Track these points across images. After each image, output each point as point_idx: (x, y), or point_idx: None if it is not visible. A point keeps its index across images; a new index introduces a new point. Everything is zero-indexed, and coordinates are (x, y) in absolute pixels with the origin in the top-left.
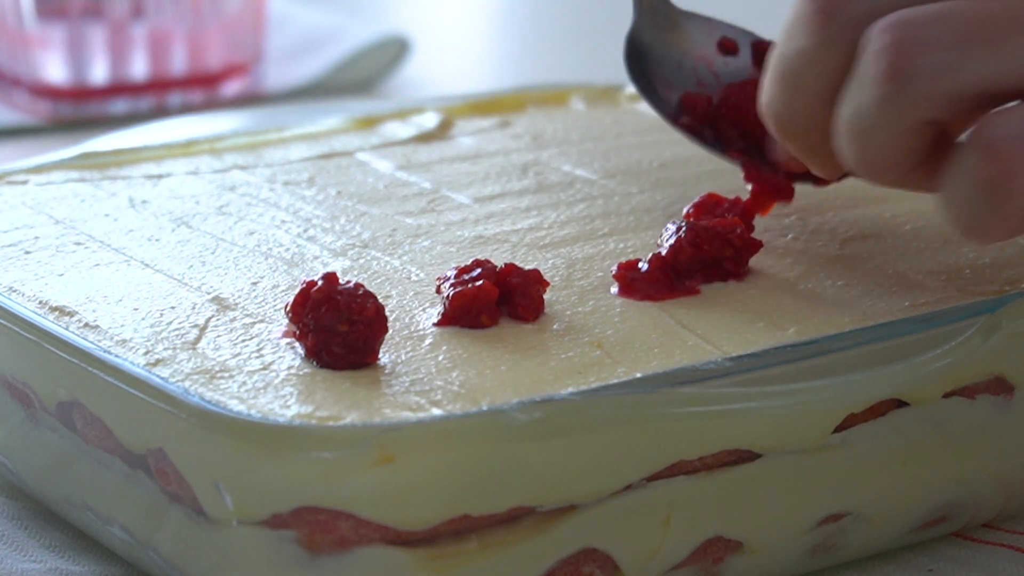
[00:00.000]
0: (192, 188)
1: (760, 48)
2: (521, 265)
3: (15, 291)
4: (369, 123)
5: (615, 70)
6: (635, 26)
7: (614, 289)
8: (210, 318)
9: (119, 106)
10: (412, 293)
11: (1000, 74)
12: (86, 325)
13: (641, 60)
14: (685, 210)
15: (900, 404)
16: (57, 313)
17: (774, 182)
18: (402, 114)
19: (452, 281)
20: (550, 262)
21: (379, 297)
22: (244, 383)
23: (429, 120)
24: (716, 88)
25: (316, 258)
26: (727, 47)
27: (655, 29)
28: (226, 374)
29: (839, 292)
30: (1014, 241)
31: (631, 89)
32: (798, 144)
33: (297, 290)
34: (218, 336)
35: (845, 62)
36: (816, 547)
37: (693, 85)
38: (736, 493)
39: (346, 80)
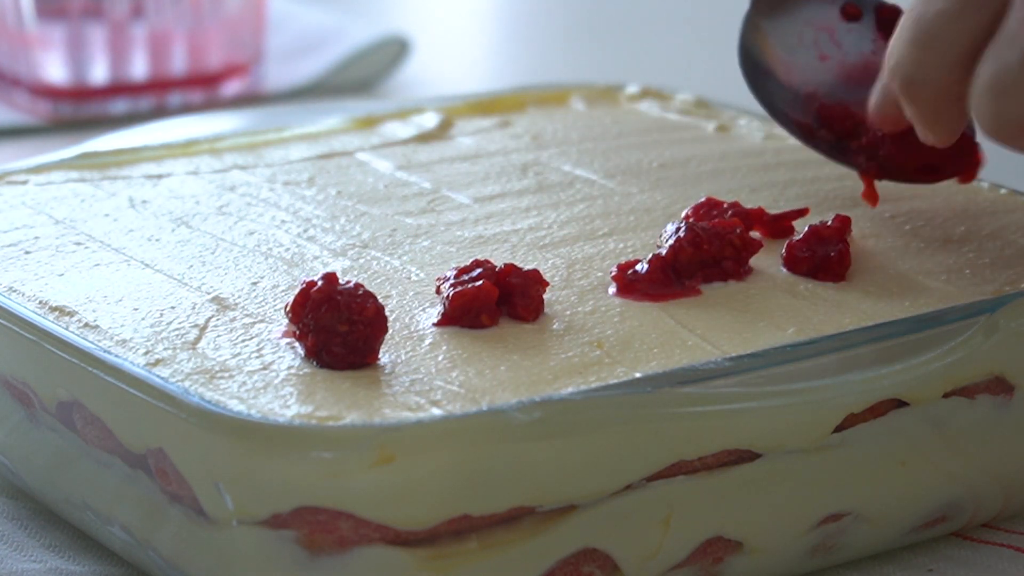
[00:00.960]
0: (192, 188)
1: (883, 13)
2: (521, 265)
3: (15, 291)
4: (369, 123)
5: (615, 70)
6: (754, 3)
7: (613, 289)
8: (210, 318)
9: (119, 106)
10: (412, 293)
11: None
12: (86, 325)
13: (758, 40)
14: (684, 212)
15: (900, 404)
16: (57, 313)
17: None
18: (402, 114)
19: (452, 281)
20: (550, 262)
21: (379, 297)
22: (244, 383)
23: (429, 120)
24: (838, 57)
25: (316, 258)
26: (851, 13)
27: (775, 2)
28: (226, 374)
29: (839, 292)
30: (1014, 241)
31: (631, 89)
32: (924, 107)
33: (297, 290)
34: (218, 336)
35: (988, 23)
36: (816, 547)
37: (814, 58)
38: (736, 493)
39: (346, 80)
